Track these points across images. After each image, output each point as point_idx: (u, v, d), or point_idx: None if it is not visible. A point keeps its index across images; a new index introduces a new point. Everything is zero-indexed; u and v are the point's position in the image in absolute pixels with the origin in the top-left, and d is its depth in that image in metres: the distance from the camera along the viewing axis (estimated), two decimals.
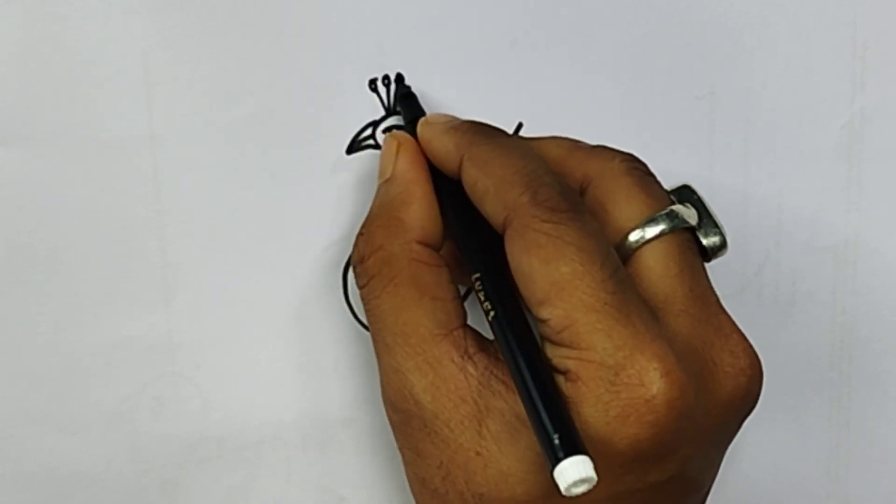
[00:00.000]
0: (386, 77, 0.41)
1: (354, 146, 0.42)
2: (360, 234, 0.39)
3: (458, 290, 0.38)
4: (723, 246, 0.38)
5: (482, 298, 0.36)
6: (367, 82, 0.41)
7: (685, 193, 0.39)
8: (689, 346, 0.36)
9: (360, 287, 0.38)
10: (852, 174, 0.44)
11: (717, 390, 0.36)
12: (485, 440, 0.35)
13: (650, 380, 0.33)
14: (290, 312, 0.42)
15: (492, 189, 0.36)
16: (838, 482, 0.47)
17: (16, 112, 0.40)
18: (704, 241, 0.38)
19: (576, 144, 0.39)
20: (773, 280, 0.44)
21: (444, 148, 0.39)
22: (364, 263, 0.38)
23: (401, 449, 0.38)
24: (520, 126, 0.42)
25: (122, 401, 0.42)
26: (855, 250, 0.44)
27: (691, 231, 0.38)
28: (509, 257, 0.35)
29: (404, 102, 0.42)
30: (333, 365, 0.43)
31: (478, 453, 0.35)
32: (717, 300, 0.37)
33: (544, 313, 0.34)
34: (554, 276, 0.34)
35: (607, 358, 0.33)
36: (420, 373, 0.36)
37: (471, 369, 0.36)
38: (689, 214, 0.38)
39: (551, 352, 0.35)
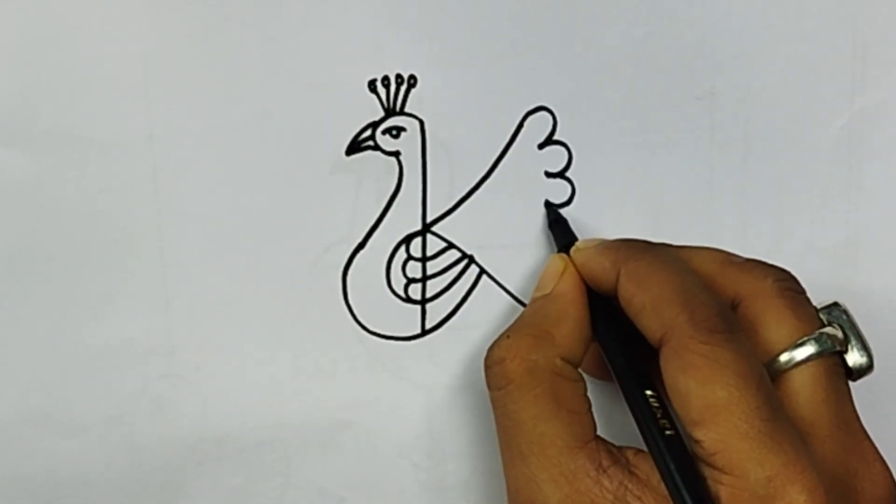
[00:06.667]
0: (386, 77, 0.41)
1: (354, 146, 0.42)
2: (507, 336, 0.39)
3: (590, 404, 0.39)
4: (869, 367, 0.39)
5: (659, 416, 0.37)
6: (366, 83, 0.41)
7: (834, 312, 0.39)
8: (835, 475, 0.37)
9: (495, 388, 0.39)
10: (852, 174, 0.44)
11: None
12: None
13: None
14: (289, 314, 0.42)
15: (648, 305, 0.37)
16: None
17: (16, 112, 0.40)
18: (851, 363, 0.39)
19: (728, 258, 0.40)
20: None
21: (601, 266, 0.40)
22: (504, 365, 0.39)
23: None
24: (519, 128, 0.42)
25: (121, 402, 0.42)
26: (855, 250, 0.44)
27: (839, 354, 0.38)
28: (665, 374, 0.36)
29: (556, 228, 0.43)
30: (333, 366, 0.43)
31: None
32: (861, 425, 0.38)
33: (698, 434, 0.35)
34: (710, 399, 0.35)
35: (759, 488, 0.34)
36: (555, 485, 0.37)
37: (606, 483, 0.37)
38: (838, 338, 0.38)
39: (702, 470, 0.36)
